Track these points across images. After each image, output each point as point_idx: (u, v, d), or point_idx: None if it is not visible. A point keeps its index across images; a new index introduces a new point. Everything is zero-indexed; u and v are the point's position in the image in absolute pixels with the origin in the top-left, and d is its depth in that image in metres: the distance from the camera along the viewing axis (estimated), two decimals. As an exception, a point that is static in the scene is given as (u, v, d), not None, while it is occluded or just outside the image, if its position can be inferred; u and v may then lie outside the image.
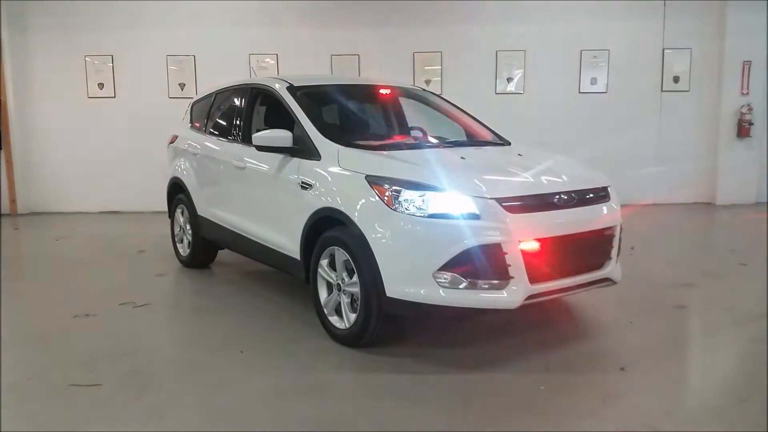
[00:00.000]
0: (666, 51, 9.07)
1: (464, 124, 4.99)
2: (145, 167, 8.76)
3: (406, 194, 3.39)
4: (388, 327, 3.64)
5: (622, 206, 3.97)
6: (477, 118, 5.10)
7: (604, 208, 3.80)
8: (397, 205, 3.39)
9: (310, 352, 3.70)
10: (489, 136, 4.83)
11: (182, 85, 9.14)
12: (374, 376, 3.37)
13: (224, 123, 5.28)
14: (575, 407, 3.02)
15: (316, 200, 3.85)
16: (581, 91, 9.18)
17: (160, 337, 4.14)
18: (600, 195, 3.83)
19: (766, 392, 3.10)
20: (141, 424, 2.88)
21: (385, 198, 3.43)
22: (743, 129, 8.94)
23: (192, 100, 6.18)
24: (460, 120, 5.03)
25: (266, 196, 4.49)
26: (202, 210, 5.38)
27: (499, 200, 3.36)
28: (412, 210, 3.35)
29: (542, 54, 9.07)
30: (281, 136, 4.12)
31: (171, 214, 6.02)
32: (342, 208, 3.64)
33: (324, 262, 3.83)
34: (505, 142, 4.71)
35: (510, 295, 3.32)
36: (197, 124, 5.76)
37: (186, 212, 5.65)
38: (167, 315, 4.68)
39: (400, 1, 8.95)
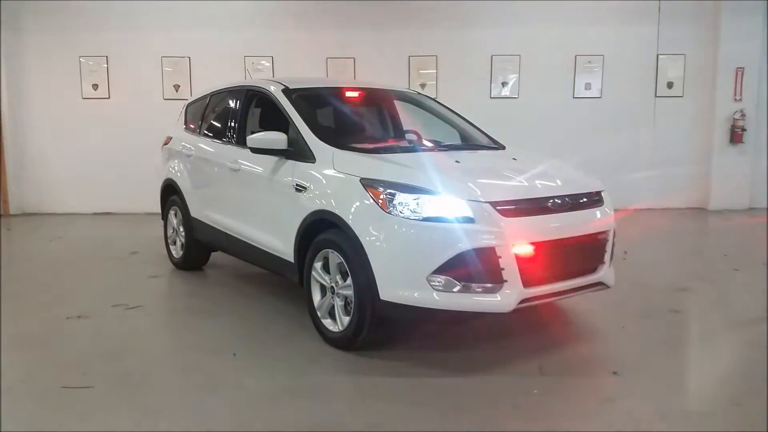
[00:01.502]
0: (660, 57, 9.12)
1: (459, 128, 5.00)
2: (138, 168, 8.73)
3: (401, 197, 3.39)
4: (382, 330, 3.64)
5: (616, 211, 3.98)
6: (472, 122, 5.11)
7: (597, 212, 3.81)
8: (391, 208, 3.39)
9: (304, 355, 3.69)
10: (484, 140, 4.84)
11: (177, 87, 9.13)
12: (367, 379, 3.36)
13: (219, 125, 5.27)
14: (568, 411, 3.02)
15: (311, 203, 3.85)
16: (575, 96, 9.22)
17: (152, 340, 4.12)
18: (594, 199, 3.84)
19: (761, 395, 3.11)
20: (133, 426, 2.87)
21: (380, 201, 3.43)
22: (736, 135, 8.99)
23: (186, 102, 6.16)
24: (455, 124, 5.04)
25: (260, 199, 4.48)
26: (195, 212, 5.37)
27: (494, 204, 3.36)
28: (407, 213, 3.35)
29: (537, 59, 9.10)
30: (276, 139, 4.12)
31: (164, 215, 6.00)
32: (336, 211, 3.64)
33: (318, 264, 3.83)
34: (499, 146, 4.72)
35: (503, 299, 3.33)
36: (192, 126, 5.74)
37: (179, 214, 5.63)
38: (160, 317, 4.66)
39: (395, 5, 8.97)
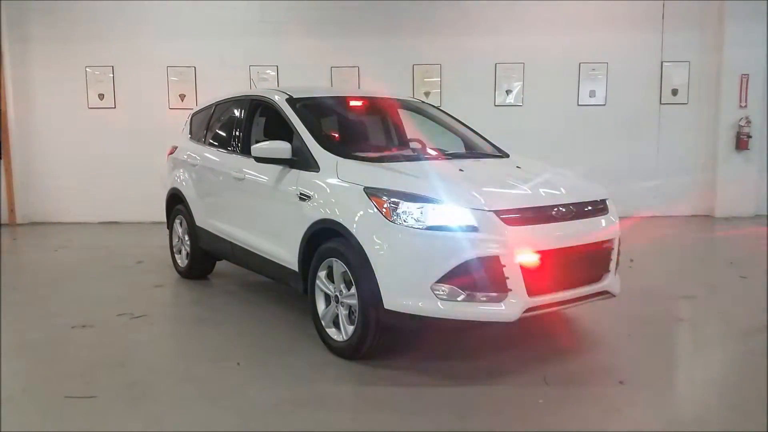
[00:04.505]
0: (665, 64, 9.12)
1: (463, 136, 5.00)
2: (144, 178, 8.77)
3: (405, 206, 3.39)
4: (386, 339, 3.63)
5: (621, 218, 3.97)
6: (476, 130, 5.11)
7: (602, 220, 3.80)
8: (395, 217, 3.39)
9: (308, 364, 3.68)
10: (487, 149, 4.84)
11: (182, 96, 9.17)
12: (372, 388, 3.35)
13: (223, 134, 5.29)
14: (574, 421, 3.00)
15: (315, 212, 3.85)
16: (580, 103, 9.22)
17: (157, 349, 4.12)
18: (598, 207, 3.83)
19: (765, 405, 3.08)
20: (136, 436, 2.87)
21: (384, 210, 3.43)
22: (742, 142, 8.97)
23: (192, 111, 6.19)
24: (458, 132, 5.04)
25: (265, 208, 4.49)
26: (200, 221, 5.38)
27: (498, 212, 3.36)
28: (411, 222, 3.35)
29: (541, 67, 9.12)
30: (280, 148, 4.13)
31: (169, 224, 6.02)
32: (340, 220, 3.64)
33: (322, 273, 3.83)
34: (503, 155, 4.72)
35: (508, 308, 3.31)
36: (197, 136, 5.77)
37: (184, 223, 5.65)
38: (165, 326, 4.66)
39: (400, 14, 9.01)
